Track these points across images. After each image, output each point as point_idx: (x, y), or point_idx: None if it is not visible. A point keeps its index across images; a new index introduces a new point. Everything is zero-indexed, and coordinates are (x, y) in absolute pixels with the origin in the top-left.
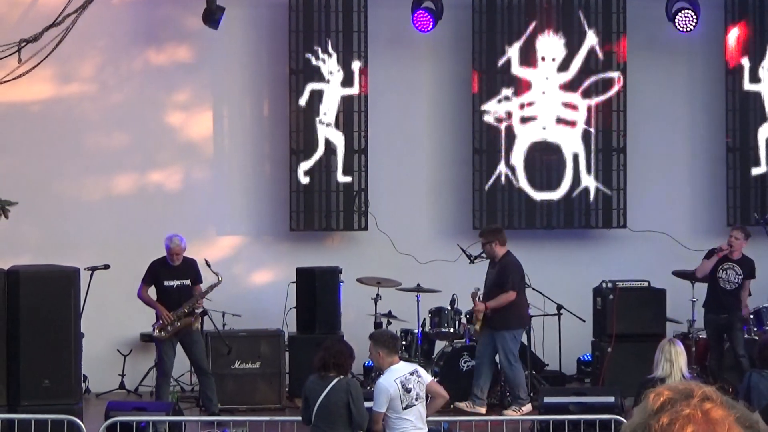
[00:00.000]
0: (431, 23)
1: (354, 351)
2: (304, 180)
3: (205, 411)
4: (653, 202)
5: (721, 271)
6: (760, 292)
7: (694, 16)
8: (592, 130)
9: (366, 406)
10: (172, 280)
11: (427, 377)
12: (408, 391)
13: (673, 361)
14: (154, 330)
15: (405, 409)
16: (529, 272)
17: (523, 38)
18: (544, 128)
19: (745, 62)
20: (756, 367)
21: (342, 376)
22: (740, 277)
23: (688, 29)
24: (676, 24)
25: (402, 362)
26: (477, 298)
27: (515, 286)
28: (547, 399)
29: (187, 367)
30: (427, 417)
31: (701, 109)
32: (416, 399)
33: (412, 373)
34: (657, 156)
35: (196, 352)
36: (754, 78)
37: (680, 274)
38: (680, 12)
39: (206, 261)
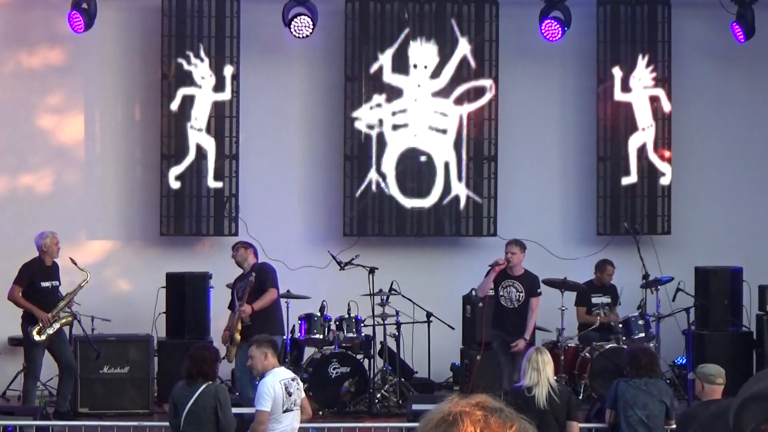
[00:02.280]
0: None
1: (220, 355)
2: (175, 185)
3: (54, 406)
4: (524, 210)
5: (501, 289)
6: (631, 302)
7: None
8: (464, 138)
9: (234, 411)
10: (47, 281)
11: (302, 388)
12: (290, 394)
13: (540, 370)
14: (31, 333)
15: (284, 412)
16: (399, 279)
17: (396, 45)
18: (415, 135)
19: (617, 72)
20: (624, 376)
21: (210, 382)
22: (521, 294)
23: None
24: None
25: (282, 367)
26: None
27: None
28: (415, 406)
29: (55, 371)
30: None
31: (573, 118)
32: (294, 404)
33: (293, 379)
34: (528, 164)
35: (65, 351)
36: (625, 88)
37: (550, 282)
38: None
39: (71, 259)
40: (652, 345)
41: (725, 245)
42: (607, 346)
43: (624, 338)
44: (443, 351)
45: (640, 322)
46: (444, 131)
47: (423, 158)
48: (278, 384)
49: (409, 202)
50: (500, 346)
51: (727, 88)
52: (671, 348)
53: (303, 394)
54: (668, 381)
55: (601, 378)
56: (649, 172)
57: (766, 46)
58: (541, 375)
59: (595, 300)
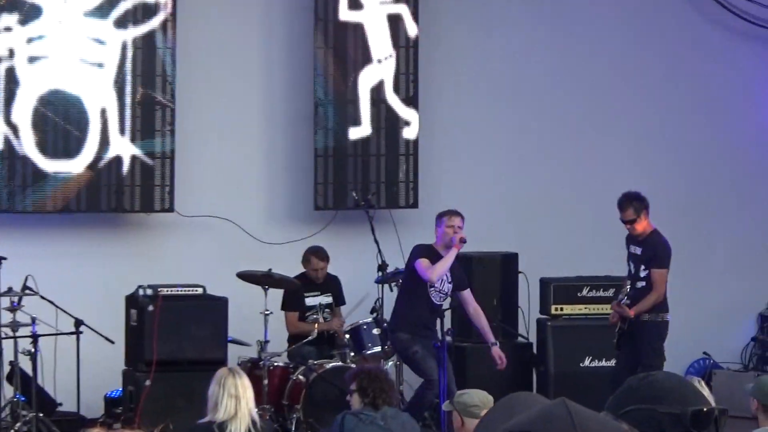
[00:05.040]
0: None
1: None
2: None
3: None
4: (212, 176)
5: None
6: (364, 303)
7: None
8: (129, 75)
9: None
10: None
11: None
12: None
13: (240, 397)
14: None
15: None
16: (37, 274)
17: None
18: (59, 72)
19: None
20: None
21: None
22: (450, 286)
23: None
24: None
25: None
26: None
27: None
28: None
29: None
30: None
31: (281, 46)
32: None
33: None
34: (218, 113)
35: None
36: (355, 4)
37: (248, 276)
38: None
39: None
40: (390, 364)
41: (492, 223)
42: (329, 365)
43: (353, 354)
44: (98, 374)
45: (375, 330)
46: (100, 65)
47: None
48: None
49: (51, 165)
50: (427, 348)
51: (496, 2)
52: None
53: None
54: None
55: (320, 409)
56: (387, 122)
57: None
58: (240, 403)
59: (310, 301)
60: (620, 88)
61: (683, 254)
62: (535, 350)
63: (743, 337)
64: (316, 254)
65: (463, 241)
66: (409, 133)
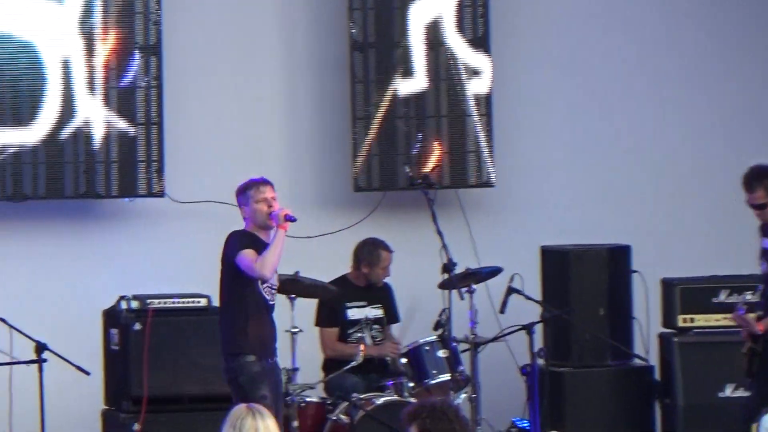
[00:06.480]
0: None
1: None
2: None
3: None
4: (214, 148)
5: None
6: (424, 317)
7: None
8: (99, 13)
9: None
10: None
11: None
12: None
13: None
14: None
15: None
16: None
17: None
18: (5, 11)
19: None
20: None
21: None
22: None
23: None
24: None
25: None
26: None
27: None
28: None
29: None
30: None
31: None
32: None
33: None
34: (224, 64)
35: None
36: None
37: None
38: None
39: None
40: (463, 397)
41: (592, 207)
42: (380, 401)
43: (411, 384)
44: (69, 416)
45: (441, 352)
46: (60, 0)
47: None
48: None
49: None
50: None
51: None
52: (504, 400)
53: None
54: None
55: None
56: (449, 72)
57: None
58: None
59: (353, 313)
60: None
61: None
62: (657, 376)
63: None
64: (386, 247)
65: (289, 218)
66: (479, 86)
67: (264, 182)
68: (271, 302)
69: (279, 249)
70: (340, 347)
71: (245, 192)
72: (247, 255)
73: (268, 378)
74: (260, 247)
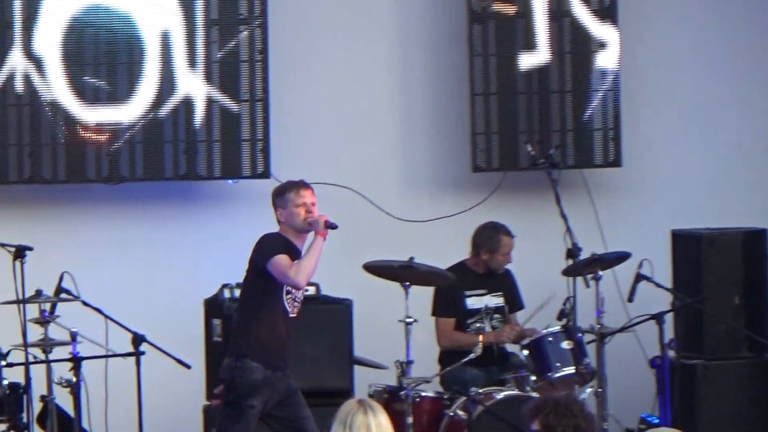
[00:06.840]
0: None
1: None
2: None
3: None
4: (322, 127)
5: None
6: (548, 306)
7: None
8: None
9: None
10: None
11: None
12: None
13: None
14: None
15: None
16: (73, 269)
17: None
18: None
19: None
20: None
21: None
22: None
23: None
24: None
25: None
26: None
27: None
28: None
29: None
30: None
31: None
32: None
33: None
34: (330, 37)
35: None
36: None
37: (381, 268)
38: None
39: None
40: (589, 391)
41: (726, 188)
42: (500, 395)
43: (534, 378)
44: (168, 412)
45: (566, 344)
46: None
47: None
48: None
49: (93, 114)
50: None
51: None
52: (632, 394)
53: None
54: None
55: None
56: (574, 44)
57: None
58: None
59: (473, 302)
60: None
61: None
62: None
63: None
64: (507, 232)
65: (330, 225)
66: (606, 60)
67: (304, 186)
68: (292, 315)
69: (316, 257)
70: (458, 337)
71: (284, 194)
72: (281, 260)
73: (267, 388)
74: (294, 253)
